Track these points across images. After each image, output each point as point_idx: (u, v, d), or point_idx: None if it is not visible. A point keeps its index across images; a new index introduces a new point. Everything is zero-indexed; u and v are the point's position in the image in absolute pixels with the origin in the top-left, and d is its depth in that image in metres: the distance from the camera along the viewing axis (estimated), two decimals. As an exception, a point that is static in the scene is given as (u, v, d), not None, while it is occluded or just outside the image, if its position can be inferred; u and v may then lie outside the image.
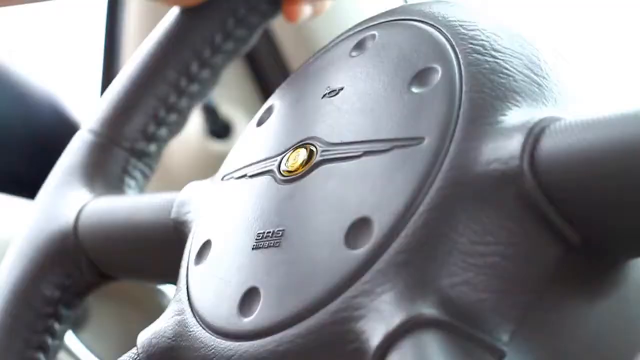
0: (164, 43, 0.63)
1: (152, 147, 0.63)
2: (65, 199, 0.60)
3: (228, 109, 1.09)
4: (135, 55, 0.64)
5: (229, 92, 1.08)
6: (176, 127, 0.64)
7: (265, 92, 1.09)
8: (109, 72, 1.18)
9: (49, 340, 0.59)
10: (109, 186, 0.61)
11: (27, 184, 0.99)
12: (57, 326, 0.59)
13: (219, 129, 1.08)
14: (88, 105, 1.37)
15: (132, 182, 0.62)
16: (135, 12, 1.13)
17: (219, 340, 0.43)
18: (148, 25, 1.09)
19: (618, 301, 0.40)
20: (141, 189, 0.63)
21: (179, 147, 1.03)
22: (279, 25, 1.04)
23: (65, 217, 0.59)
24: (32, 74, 1.35)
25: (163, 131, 0.63)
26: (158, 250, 0.54)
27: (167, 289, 0.91)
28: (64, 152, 0.63)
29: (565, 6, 1.10)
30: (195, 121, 1.08)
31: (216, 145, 1.07)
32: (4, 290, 0.59)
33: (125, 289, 0.92)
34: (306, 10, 0.65)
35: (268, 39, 1.06)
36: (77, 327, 0.92)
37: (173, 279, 0.50)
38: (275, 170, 0.46)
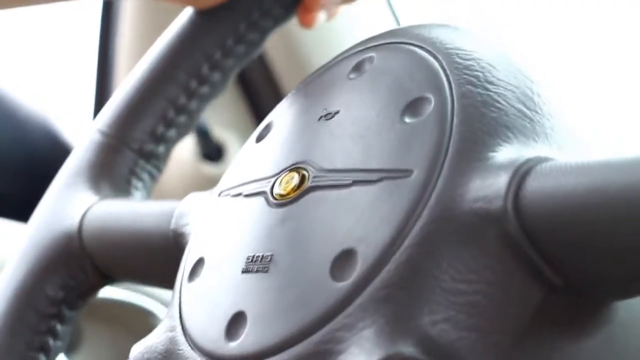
0: (176, 44, 0.63)
1: (161, 149, 0.62)
2: (71, 200, 0.60)
3: (220, 132, 1.09)
4: (146, 55, 0.64)
5: (221, 115, 1.08)
6: (185, 129, 0.63)
7: (258, 115, 1.10)
8: (102, 92, 1.18)
9: (51, 342, 0.59)
10: (116, 187, 0.61)
11: (18, 207, 0.99)
12: (59, 327, 0.59)
13: (212, 151, 1.08)
14: (81, 127, 1.37)
15: (139, 184, 0.62)
16: (129, 30, 1.13)
17: None
18: (142, 43, 1.09)
19: (604, 342, 0.40)
20: (148, 191, 0.63)
21: (171, 169, 1.03)
22: (272, 47, 1.04)
23: (70, 219, 0.59)
24: (24, 96, 1.35)
25: (172, 132, 0.62)
26: (159, 257, 0.54)
27: (158, 310, 0.91)
28: (72, 152, 0.63)
29: (565, 8, 1.10)
30: (188, 144, 1.08)
31: (208, 168, 1.07)
32: (8, 290, 0.59)
33: (117, 312, 0.92)
34: (321, 16, 0.66)
35: (261, 61, 1.06)
36: (69, 350, 0.92)
37: (171, 285, 0.50)
38: (269, 192, 0.46)
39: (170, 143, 0.63)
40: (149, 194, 0.63)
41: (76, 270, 0.59)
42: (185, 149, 1.07)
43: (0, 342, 0.58)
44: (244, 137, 1.08)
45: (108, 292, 0.90)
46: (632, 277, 0.37)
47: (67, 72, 1.57)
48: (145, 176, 0.62)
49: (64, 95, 1.50)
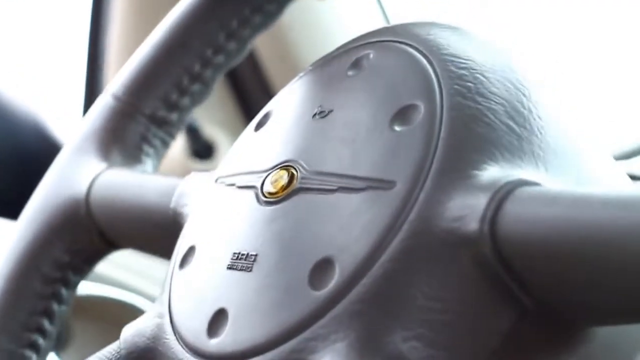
0: (191, 13, 0.62)
1: (174, 116, 0.62)
2: (81, 166, 0.60)
3: (211, 130, 1.09)
4: (161, 23, 0.64)
5: (211, 112, 1.08)
6: (199, 97, 0.63)
7: (248, 112, 1.10)
8: (92, 88, 1.18)
9: (55, 307, 0.59)
10: (127, 153, 0.61)
11: (7, 204, 0.98)
12: (64, 292, 0.59)
13: (202, 149, 1.08)
14: (71, 124, 1.37)
15: (150, 150, 0.62)
16: (120, 25, 1.13)
17: (187, 355, 0.43)
18: (132, 40, 1.09)
19: None
20: (160, 158, 0.63)
21: (161, 167, 1.03)
22: (262, 45, 1.04)
23: (78, 184, 0.59)
24: (14, 93, 1.35)
25: (186, 100, 0.62)
26: (160, 232, 0.54)
27: (146, 307, 0.91)
28: (85, 116, 0.63)
29: (565, 7, 1.10)
30: (178, 142, 1.08)
31: (199, 166, 1.07)
32: (14, 253, 0.59)
33: (105, 309, 0.92)
34: None
35: (251, 59, 1.06)
36: (59, 347, 0.92)
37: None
38: (259, 188, 0.46)
39: (183, 111, 0.62)
40: (160, 161, 0.63)
41: (83, 236, 0.59)
42: (176, 146, 1.07)
43: (5, 304, 0.59)
44: (234, 135, 1.08)
45: (96, 289, 0.90)
46: (608, 311, 0.37)
47: (57, 67, 1.57)
48: (157, 142, 0.62)
49: (53, 92, 1.50)
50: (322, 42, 1.00)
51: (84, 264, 0.60)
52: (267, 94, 1.05)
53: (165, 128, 0.62)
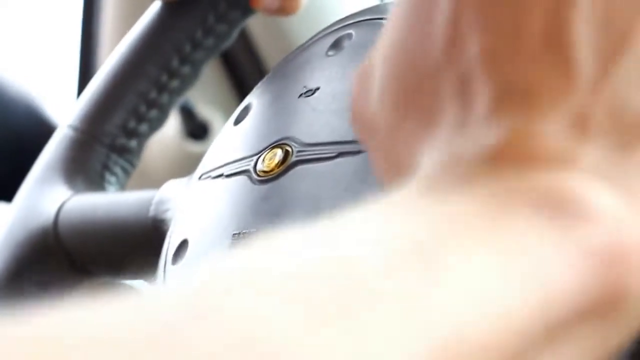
0: (145, 38, 0.62)
1: (133, 143, 0.62)
2: (46, 195, 0.60)
3: (205, 110, 1.09)
4: (116, 50, 0.64)
5: (205, 92, 1.08)
6: (157, 123, 0.63)
7: (242, 92, 1.09)
8: (86, 69, 1.17)
9: None
10: (90, 182, 0.61)
11: (2, 186, 0.98)
12: None
13: (196, 129, 1.07)
14: (65, 105, 1.37)
15: (112, 179, 0.62)
16: (113, 6, 1.12)
17: None
18: (126, 20, 1.08)
19: None
20: (122, 186, 0.63)
21: (156, 148, 1.02)
22: (255, 24, 1.03)
23: (45, 213, 0.59)
24: (7, 75, 1.34)
25: (144, 127, 0.62)
26: (136, 248, 0.54)
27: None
28: (44, 148, 0.63)
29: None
30: (172, 122, 1.08)
31: (193, 146, 1.07)
32: None
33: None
34: (271, 0, 0.65)
35: (244, 38, 1.05)
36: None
37: (150, 276, 0.50)
38: (252, 170, 0.46)
39: (142, 137, 0.63)
40: (123, 189, 0.63)
41: (52, 266, 0.58)
42: (170, 127, 1.07)
43: None
44: (229, 114, 1.08)
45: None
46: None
47: (51, 50, 1.56)
48: (118, 170, 0.62)
49: (46, 73, 1.49)
50: (317, 20, 0.99)
51: (54, 297, 0.59)
52: (261, 73, 1.05)
53: (125, 156, 0.62)
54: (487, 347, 0.23)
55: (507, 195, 0.25)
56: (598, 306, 0.25)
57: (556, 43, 0.26)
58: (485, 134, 0.26)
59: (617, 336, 0.26)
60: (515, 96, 0.26)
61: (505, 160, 0.26)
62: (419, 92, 0.28)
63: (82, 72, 1.19)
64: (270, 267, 0.23)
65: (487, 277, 0.24)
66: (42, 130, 1.27)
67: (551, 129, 0.26)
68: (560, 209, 0.25)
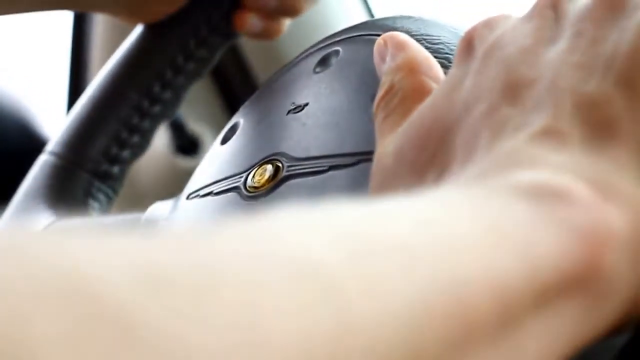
0: (126, 64, 0.63)
1: (116, 169, 0.62)
2: (29, 221, 0.60)
3: (195, 125, 1.09)
4: (97, 76, 0.64)
5: (196, 108, 1.08)
6: (139, 149, 0.63)
7: (233, 108, 1.09)
8: (77, 86, 1.17)
9: None
10: (73, 209, 0.61)
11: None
12: None
13: (187, 145, 1.07)
14: (56, 121, 1.36)
15: (95, 204, 0.62)
16: (103, 25, 1.12)
17: None
18: (116, 38, 1.08)
19: None
20: (105, 212, 0.63)
21: (146, 163, 1.02)
22: (246, 40, 1.04)
23: None
24: (-1, 90, 1.34)
25: (126, 153, 0.62)
26: None
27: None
28: (27, 176, 0.63)
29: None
30: (162, 137, 1.08)
31: (183, 162, 1.07)
32: None
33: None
34: (255, 23, 0.66)
35: (235, 54, 1.06)
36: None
37: None
38: (241, 186, 0.46)
39: (124, 163, 0.63)
40: (106, 214, 0.63)
41: None
42: (160, 142, 1.07)
43: None
44: (219, 130, 1.08)
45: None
46: None
47: (42, 64, 1.56)
48: (101, 197, 0.62)
49: (38, 89, 1.49)
50: (307, 37, 0.99)
51: None
52: (251, 88, 1.05)
53: (108, 182, 0.62)
54: (481, 308, 0.26)
55: (502, 189, 0.31)
56: (579, 276, 0.29)
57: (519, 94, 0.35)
58: (486, 158, 0.33)
59: (601, 318, 0.30)
60: (504, 131, 0.34)
61: (496, 171, 0.32)
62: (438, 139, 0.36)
63: (73, 86, 1.19)
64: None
65: (481, 241, 0.28)
66: (33, 145, 1.27)
67: (534, 144, 0.33)
68: (547, 196, 0.30)
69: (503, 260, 0.27)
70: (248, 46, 1.06)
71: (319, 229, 0.25)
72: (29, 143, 1.30)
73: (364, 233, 0.26)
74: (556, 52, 0.35)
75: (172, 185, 0.98)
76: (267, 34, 0.67)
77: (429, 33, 0.45)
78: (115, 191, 0.63)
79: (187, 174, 0.56)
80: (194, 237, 0.23)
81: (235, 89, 1.08)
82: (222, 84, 1.09)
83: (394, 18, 0.48)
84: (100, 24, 1.12)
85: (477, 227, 0.28)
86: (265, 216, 0.25)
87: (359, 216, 0.27)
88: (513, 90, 0.35)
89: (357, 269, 0.24)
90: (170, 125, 1.06)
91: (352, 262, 0.24)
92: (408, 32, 0.45)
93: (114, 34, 1.10)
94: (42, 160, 0.62)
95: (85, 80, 1.16)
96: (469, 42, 0.38)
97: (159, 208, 0.53)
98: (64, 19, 1.20)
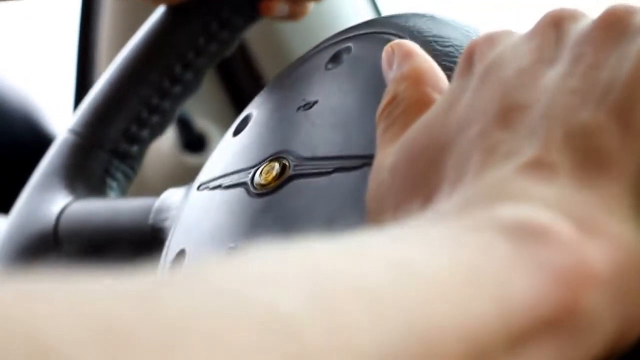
0: (147, 45, 0.63)
1: (134, 149, 0.63)
2: (46, 200, 0.60)
3: (202, 122, 1.09)
4: (118, 56, 0.64)
5: (203, 105, 1.08)
6: (159, 129, 0.64)
7: (240, 105, 1.09)
8: (83, 80, 1.18)
9: None
10: (91, 188, 0.61)
11: (0, 197, 0.98)
12: None
13: (193, 142, 1.08)
14: (63, 115, 1.37)
15: (113, 184, 0.62)
16: (111, 14, 1.12)
17: None
18: (123, 30, 1.08)
19: None
20: (123, 191, 0.63)
21: (152, 160, 1.03)
22: (253, 36, 1.04)
23: (46, 218, 0.59)
24: (5, 84, 1.34)
25: (145, 133, 0.63)
26: (135, 255, 0.54)
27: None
28: (46, 153, 0.63)
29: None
30: (169, 134, 1.08)
31: (190, 159, 1.07)
32: None
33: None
34: (282, 8, 0.66)
35: (242, 51, 1.06)
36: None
37: None
38: (249, 183, 0.46)
39: (144, 143, 0.63)
40: (124, 194, 0.63)
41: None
42: (167, 139, 1.07)
43: None
44: (226, 127, 1.08)
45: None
46: None
47: (49, 59, 1.57)
48: (119, 176, 0.63)
49: (45, 84, 1.50)
50: (314, 33, 0.99)
51: None
52: (258, 85, 1.05)
53: (127, 161, 0.63)
54: (451, 354, 0.25)
55: (484, 224, 0.30)
56: (554, 318, 0.28)
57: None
58: (473, 186, 0.33)
59: (579, 355, 0.29)
60: (494, 156, 0.33)
61: (480, 203, 0.32)
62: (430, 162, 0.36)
63: (79, 82, 1.19)
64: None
65: (454, 284, 0.27)
66: (40, 140, 1.27)
67: (521, 176, 0.32)
68: (527, 234, 0.29)
69: (477, 304, 0.27)
70: (255, 43, 1.06)
71: (287, 278, 0.25)
72: (36, 138, 1.31)
73: (334, 279, 0.25)
74: (554, 76, 0.34)
75: (179, 181, 0.98)
76: (292, 17, 0.67)
77: (440, 34, 0.44)
78: (134, 170, 0.64)
79: (194, 171, 0.56)
80: (158, 289, 0.23)
81: (242, 86, 1.08)
82: (229, 81, 1.09)
83: (406, 16, 0.47)
84: (107, 18, 1.12)
85: (452, 269, 0.28)
86: (237, 261, 0.25)
87: (331, 258, 0.27)
88: (507, 115, 0.34)
89: (324, 321, 0.24)
90: (177, 122, 1.06)
91: (321, 314, 0.24)
92: (419, 32, 0.45)
93: (122, 30, 1.10)
94: (62, 139, 0.63)
95: (92, 75, 1.16)
96: (469, 57, 0.38)
97: (172, 195, 0.53)
98: (71, 13, 1.21)
